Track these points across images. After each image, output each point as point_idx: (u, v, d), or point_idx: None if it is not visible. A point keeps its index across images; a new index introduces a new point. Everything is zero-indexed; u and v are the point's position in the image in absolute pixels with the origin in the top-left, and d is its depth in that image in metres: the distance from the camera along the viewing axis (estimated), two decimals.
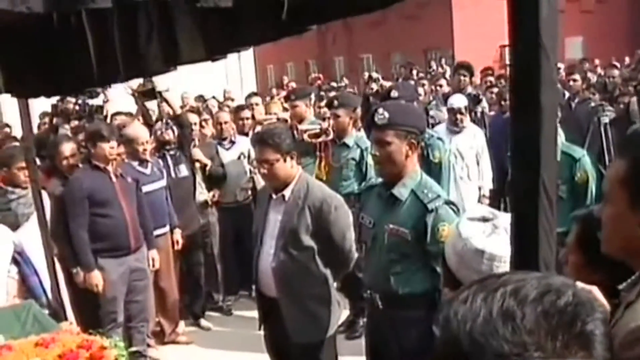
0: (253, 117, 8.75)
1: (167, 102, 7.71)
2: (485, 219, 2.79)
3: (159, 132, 7.34)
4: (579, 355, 1.06)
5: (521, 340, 1.04)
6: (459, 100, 7.72)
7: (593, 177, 5.53)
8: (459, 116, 7.52)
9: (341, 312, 5.02)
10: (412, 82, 12.80)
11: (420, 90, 11.23)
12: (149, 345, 6.68)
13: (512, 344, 1.04)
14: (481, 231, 2.70)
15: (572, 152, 5.61)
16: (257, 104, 9.60)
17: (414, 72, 18.56)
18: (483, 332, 1.06)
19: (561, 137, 5.74)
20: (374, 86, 13.12)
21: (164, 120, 7.48)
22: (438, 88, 11.29)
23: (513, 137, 1.78)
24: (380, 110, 4.03)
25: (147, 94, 7.48)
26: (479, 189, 7.54)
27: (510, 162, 1.84)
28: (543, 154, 1.68)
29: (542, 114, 1.67)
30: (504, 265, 2.51)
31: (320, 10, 2.72)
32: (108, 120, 8.60)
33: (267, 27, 2.89)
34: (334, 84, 18.78)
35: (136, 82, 7.45)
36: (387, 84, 12.11)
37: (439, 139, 6.70)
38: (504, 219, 2.67)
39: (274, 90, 16.67)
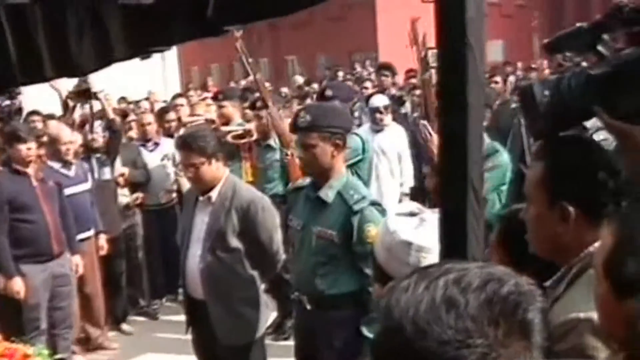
0: (179, 118, 8.67)
1: (101, 104, 7.56)
2: (412, 214, 2.84)
3: (89, 136, 7.20)
4: (520, 343, 1.08)
5: (464, 326, 1.05)
6: (379, 100, 7.89)
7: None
8: (378, 115, 7.66)
9: (269, 313, 5.01)
10: None
11: None
12: (74, 352, 6.53)
13: (455, 331, 1.05)
14: (409, 224, 2.74)
15: None
16: (182, 105, 9.51)
17: (340, 74, 18.63)
18: (426, 319, 1.06)
19: None
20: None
21: (96, 123, 7.33)
22: (364, 90, 11.37)
23: (441, 135, 1.81)
24: (302, 113, 4.04)
25: (82, 94, 7.29)
26: (400, 185, 7.66)
27: (438, 160, 1.87)
28: (470, 152, 1.71)
29: (469, 113, 1.70)
30: (431, 257, 2.55)
31: (244, 11, 2.72)
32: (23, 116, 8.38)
33: (190, 27, 2.88)
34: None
35: (64, 82, 7.29)
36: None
37: (354, 133, 6.67)
38: (430, 213, 2.72)
39: (198, 92, 16.45)
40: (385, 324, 1.13)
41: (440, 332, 1.05)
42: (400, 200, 7.48)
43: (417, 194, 7.77)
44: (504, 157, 5.61)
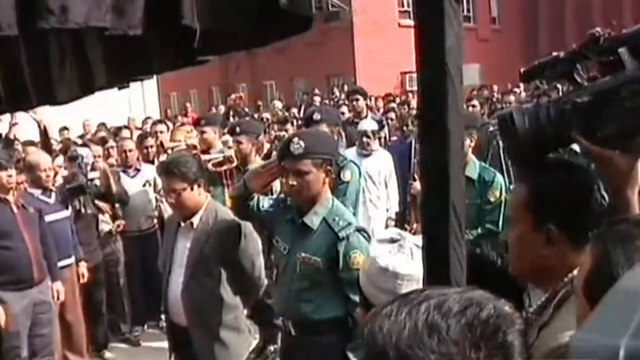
0: (162, 144, 8.69)
1: (101, 181, 7.53)
2: (393, 240, 2.86)
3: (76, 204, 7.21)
4: None
5: (447, 351, 1.08)
6: (368, 124, 7.88)
7: None
8: (365, 139, 7.62)
9: (252, 339, 5.01)
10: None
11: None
12: None
13: (438, 355, 1.08)
14: (387, 251, 2.76)
15: None
16: (161, 132, 9.53)
17: (316, 99, 18.69)
18: (409, 344, 1.09)
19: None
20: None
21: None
22: (340, 115, 11.43)
23: (422, 160, 1.85)
24: (296, 139, 3.98)
25: (77, 191, 7.26)
26: (387, 211, 7.67)
27: (420, 185, 1.91)
28: (451, 176, 1.74)
29: (449, 138, 1.74)
30: (407, 283, 2.57)
31: (222, 42, 2.75)
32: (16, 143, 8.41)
33: (169, 57, 2.91)
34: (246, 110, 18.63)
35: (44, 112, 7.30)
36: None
37: (352, 161, 6.74)
38: (411, 240, 2.75)
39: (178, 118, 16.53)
40: (369, 350, 1.16)
41: (424, 357, 1.08)
42: (386, 226, 7.49)
43: (402, 219, 7.83)
44: (501, 178, 5.73)
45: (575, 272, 1.93)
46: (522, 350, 1.15)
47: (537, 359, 1.76)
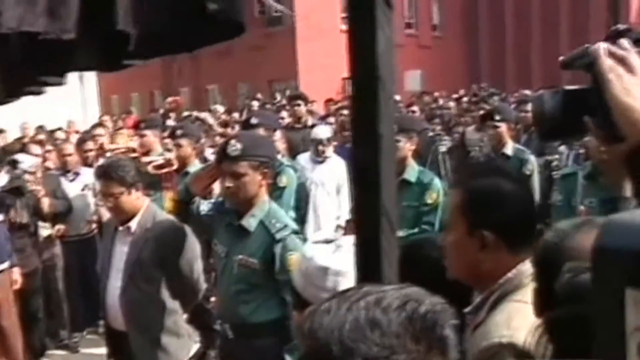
0: (101, 147, 8.59)
1: (35, 196, 7.40)
2: (328, 241, 2.90)
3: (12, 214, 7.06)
4: (439, 358, 1.16)
5: (389, 343, 1.12)
6: (322, 131, 7.84)
7: None
8: (320, 147, 7.60)
9: (192, 343, 4.98)
10: None
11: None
12: None
13: (380, 347, 1.12)
14: (325, 250, 2.79)
15: None
16: (100, 135, 9.43)
17: (254, 103, 18.62)
18: (352, 338, 1.12)
19: None
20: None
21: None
22: (280, 120, 11.42)
23: (354, 164, 1.87)
24: (233, 141, 4.01)
25: (14, 191, 7.12)
26: (337, 218, 7.66)
27: (352, 188, 1.94)
28: (383, 180, 1.77)
29: (380, 142, 1.77)
30: (347, 281, 2.60)
31: (163, 43, 2.71)
32: None
33: (95, 59, 2.84)
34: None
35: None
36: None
37: (289, 166, 6.73)
38: (346, 239, 2.78)
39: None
40: (310, 346, 1.18)
41: (366, 349, 1.12)
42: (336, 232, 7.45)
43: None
44: (439, 181, 5.81)
45: (509, 274, 1.99)
46: (456, 344, 1.20)
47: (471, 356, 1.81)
